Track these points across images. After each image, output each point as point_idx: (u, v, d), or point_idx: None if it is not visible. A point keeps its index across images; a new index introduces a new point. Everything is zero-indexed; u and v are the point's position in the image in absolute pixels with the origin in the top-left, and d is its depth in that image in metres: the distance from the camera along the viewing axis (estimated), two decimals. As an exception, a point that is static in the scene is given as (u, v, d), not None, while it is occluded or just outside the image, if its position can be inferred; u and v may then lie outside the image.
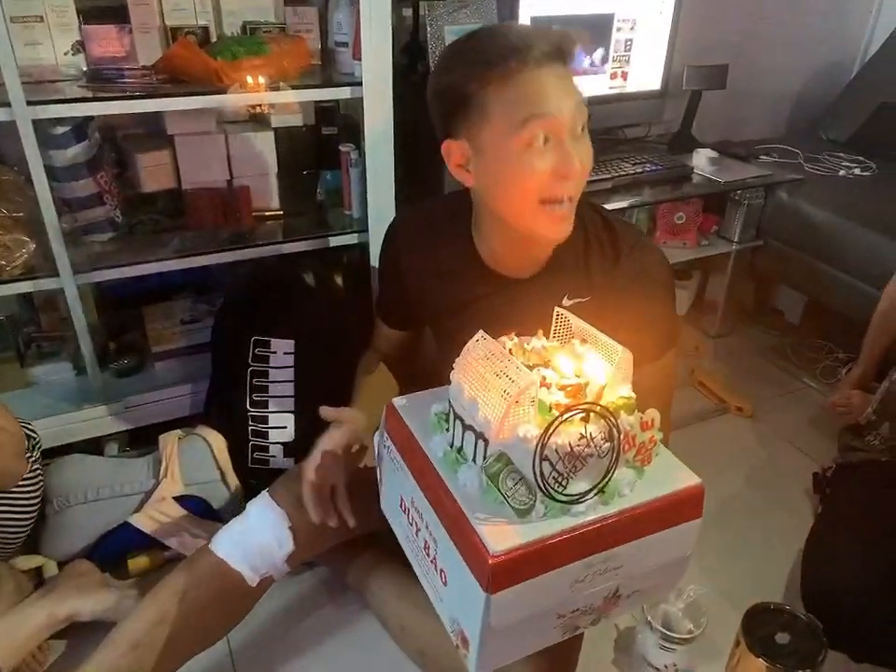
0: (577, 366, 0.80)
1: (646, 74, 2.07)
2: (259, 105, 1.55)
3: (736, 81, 2.18)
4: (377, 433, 0.95)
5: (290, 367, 1.41)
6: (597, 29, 1.92)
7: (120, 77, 1.38)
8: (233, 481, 1.39)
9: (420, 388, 1.16)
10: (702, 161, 2.06)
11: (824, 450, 1.72)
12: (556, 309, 0.87)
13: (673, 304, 1.06)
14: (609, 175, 1.86)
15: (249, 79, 1.36)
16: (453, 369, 0.80)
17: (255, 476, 1.41)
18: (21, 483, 1.20)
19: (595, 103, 2.00)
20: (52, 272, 1.36)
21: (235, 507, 1.35)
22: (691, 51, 2.13)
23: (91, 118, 1.43)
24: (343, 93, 1.46)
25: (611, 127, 2.17)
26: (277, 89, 1.39)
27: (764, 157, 2.19)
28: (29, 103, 1.22)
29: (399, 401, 0.89)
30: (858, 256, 1.91)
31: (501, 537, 0.69)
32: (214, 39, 1.48)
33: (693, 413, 1.90)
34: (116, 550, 1.32)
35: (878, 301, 1.72)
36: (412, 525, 0.84)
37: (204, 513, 1.35)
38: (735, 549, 1.49)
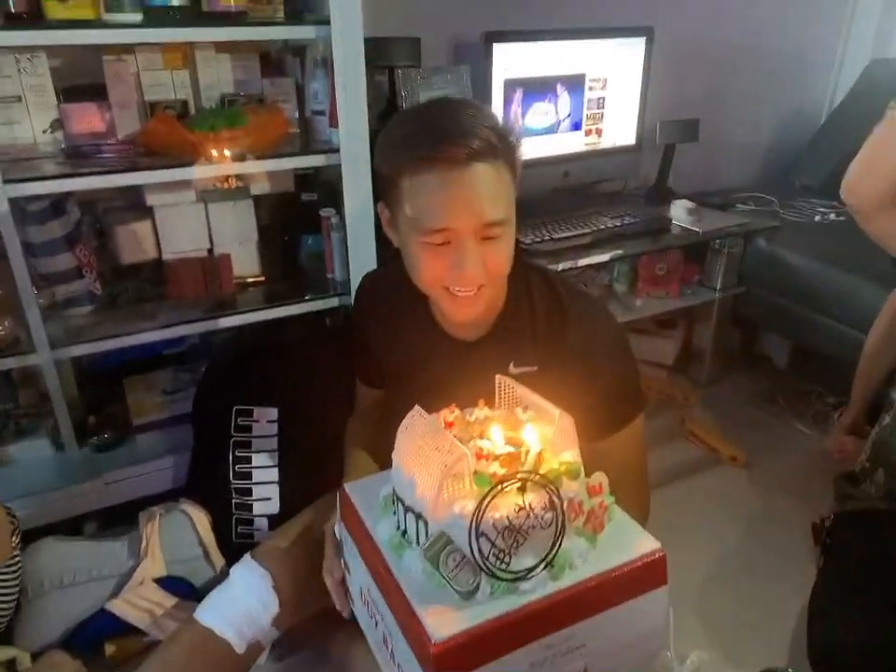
0: (513, 434, 0.78)
1: (620, 130, 2.11)
2: (239, 175, 1.56)
3: (708, 133, 2.23)
4: (337, 525, 0.92)
5: (274, 436, 1.38)
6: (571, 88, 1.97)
7: (98, 153, 1.39)
8: (217, 558, 1.34)
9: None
10: (680, 212, 2.09)
11: (821, 498, 1.68)
12: (497, 377, 0.86)
13: (630, 370, 1.03)
14: (589, 230, 1.87)
15: (227, 151, 1.37)
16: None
17: (240, 551, 1.34)
18: (3, 568, 1.15)
19: (571, 160, 2.04)
20: (30, 347, 1.34)
21: (217, 584, 1.30)
22: (662, 106, 2.18)
23: (69, 193, 1.43)
24: (321, 160, 1.47)
25: (588, 182, 2.21)
26: (255, 158, 1.41)
27: (741, 205, 2.23)
28: (5, 181, 1.22)
29: (350, 486, 0.87)
30: (838, 299, 1.92)
31: (444, 622, 0.66)
32: (192, 112, 1.50)
33: (686, 465, 1.87)
34: (92, 637, 1.26)
35: (863, 344, 1.73)
36: (371, 617, 0.81)
37: (187, 594, 1.29)
38: (738, 605, 1.44)
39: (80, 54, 1.41)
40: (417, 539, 0.73)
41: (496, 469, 0.72)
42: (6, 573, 1.17)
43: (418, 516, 0.72)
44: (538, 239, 1.81)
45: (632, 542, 0.75)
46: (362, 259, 1.53)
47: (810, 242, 2.06)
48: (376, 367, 1.16)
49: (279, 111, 1.52)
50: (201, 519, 1.35)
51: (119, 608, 1.22)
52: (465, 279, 0.87)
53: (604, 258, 1.82)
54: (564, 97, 1.97)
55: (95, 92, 1.42)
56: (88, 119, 1.43)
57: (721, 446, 1.91)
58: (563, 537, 0.69)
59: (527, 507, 0.66)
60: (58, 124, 1.42)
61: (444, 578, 0.68)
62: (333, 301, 1.59)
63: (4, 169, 1.24)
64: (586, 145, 2.07)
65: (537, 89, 1.91)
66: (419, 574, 0.71)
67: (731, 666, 1.27)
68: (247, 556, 1.08)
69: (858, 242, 2.05)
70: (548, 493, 0.67)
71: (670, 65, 2.16)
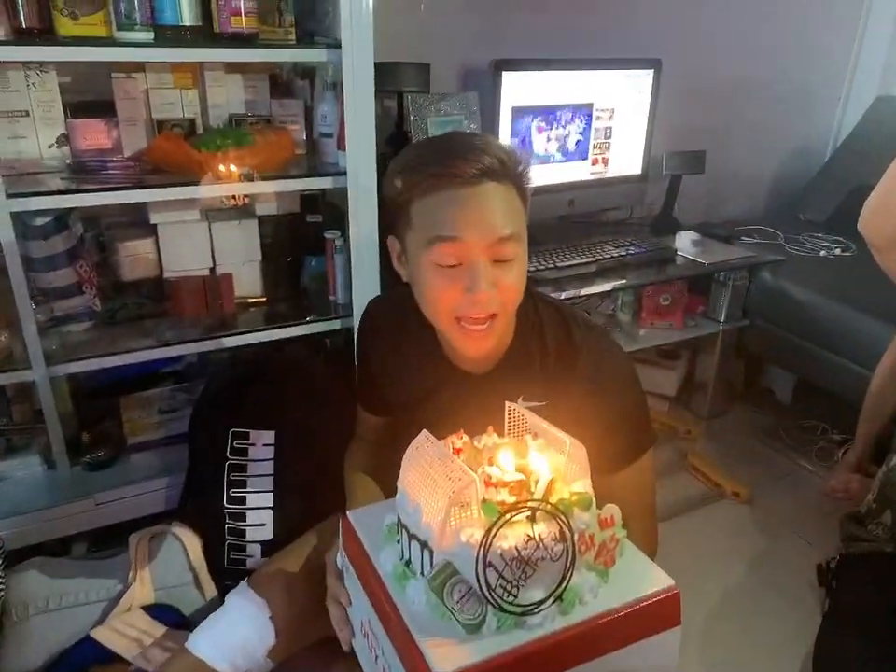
0: (522, 461, 0.76)
1: (626, 159, 2.12)
2: (244, 195, 1.55)
3: (714, 165, 2.23)
4: (338, 554, 0.90)
5: (270, 460, 1.35)
6: (578, 117, 1.97)
7: (104, 169, 1.38)
8: (208, 584, 1.31)
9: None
10: (685, 243, 2.08)
11: (826, 537, 1.66)
12: (508, 404, 0.85)
13: (640, 407, 1.02)
14: (594, 258, 1.86)
15: (233, 170, 1.36)
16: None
17: (231, 577, 1.31)
18: None
19: (576, 188, 2.04)
20: (25, 363, 1.32)
21: (208, 612, 1.26)
22: (669, 137, 2.19)
23: (72, 208, 1.42)
24: (328, 183, 1.47)
25: (593, 211, 2.20)
26: (262, 179, 1.40)
27: (746, 238, 2.23)
28: (8, 195, 1.22)
29: (352, 514, 0.84)
30: (844, 335, 1.90)
31: (447, 656, 0.63)
32: (200, 131, 1.50)
33: (688, 500, 1.84)
34: (76, 666, 1.21)
35: (869, 382, 1.71)
36: (371, 651, 0.78)
37: (176, 623, 1.25)
38: (740, 646, 1.41)
39: (90, 71, 1.41)
40: (422, 568, 0.71)
41: (504, 496, 0.69)
42: None
43: (423, 545, 0.69)
44: (542, 267, 1.79)
45: (645, 578, 0.72)
46: (365, 282, 1.52)
47: (815, 276, 2.05)
48: (379, 395, 1.14)
49: (286, 132, 1.52)
50: (192, 543, 1.31)
51: (104, 636, 1.18)
52: (478, 302, 0.85)
53: (607, 287, 1.81)
54: (571, 126, 1.97)
55: (103, 109, 1.42)
56: (94, 135, 1.42)
57: (723, 481, 1.88)
58: (573, 570, 0.66)
59: (537, 537, 0.64)
60: (64, 139, 1.41)
61: (449, 609, 0.66)
62: (335, 324, 1.58)
63: (8, 183, 1.23)
64: (592, 174, 2.07)
65: (544, 117, 1.91)
66: (423, 605, 0.69)
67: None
68: (244, 584, 1.05)
69: (864, 277, 2.05)
70: (558, 523, 0.65)
71: (677, 97, 2.18)
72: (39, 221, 1.35)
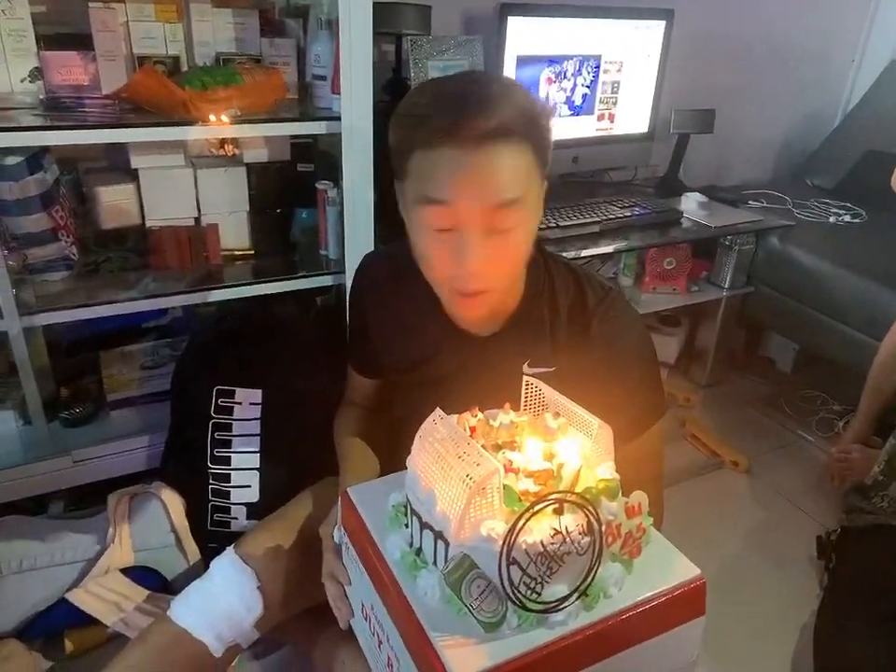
0: (548, 447, 0.70)
1: (633, 116, 2.03)
2: (231, 140, 1.46)
3: (722, 126, 2.15)
4: (336, 530, 0.85)
5: (256, 419, 1.29)
6: (586, 69, 1.88)
7: (80, 106, 1.29)
8: (190, 546, 1.26)
9: (393, 444, 1.06)
10: (691, 205, 2.01)
11: (826, 509, 1.63)
12: (525, 378, 0.79)
13: (654, 374, 0.96)
14: (598, 219, 1.79)
15: (219, 111, 1.27)
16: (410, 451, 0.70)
17: (214, 540, 1.27)
18: None
19: (582, 145, 1.95)
20: (-7, 314, 1.25)
21: (191, 576, 1.21)
22: (677, 95, 2.10)
23: (47, 148, 1.33)
24: (320, 128, 1.38)
25: (598, 169, 2.12)
26: (250, 122, 1.31)
27: (753, 202, 2.16)
28: (-25, 130, 1.13)
29: (354, 491, 0.78)
30: (851, 304, 1.85)
31: (466, 658, 0.58)
32: (185, 70, 1.40)
33: (686, 468, 1.80)
34: (51, 628, 1.17)
35: (874, 351, 1.66)
36: (373, 635, 0.73)
37: (156, 586, 1.21)
38: (738, 620, 1.38)
39: (65, -1, 1.32)
40: (435, 559, 0.65)
41: (527, 485, 0.64)
42: None
43: (438, 535, 0.64)
44: (543, 226, 1.72)
45: (671, 568, 0.68)
46: (359, 236, 1.44)
47: (825, 244, 1.99)
48: (373, 356, 1.07)
49: (278, 73, 1.42)
50: (175, 504, 1.26)
51: (81, 599, 1.14)
52: (467, 276, 0.78)
53: (612, 248, 1.74)
54: (578, 78, 1.88)
55: (80, 42, 1.31)
56: (70, 69, 1.32)
57: (722, 450, 1.85)
58: (599, 563, 0.61)
59: (564, 531, 0.59)
60: (37, 73, 1.31)
61: (467, 607, 0.61)
62: (326, 280, 1.50)
63: (-25, 117, 1.14)
64: (598, 130, 1.98)
65: (550, 67, 1.82)
66: (436, 599, 0.64)
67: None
68: (230, 551, 0.99)
69: (873, 245, 2.00)
70: (586, 515, 0.60)
71: (688, 52, 2.09)
72: (10, 161, 1.27)
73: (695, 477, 1.79)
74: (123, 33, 1.34)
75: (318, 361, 1.37)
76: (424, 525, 0.65)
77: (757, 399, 2.13)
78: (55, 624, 1.17)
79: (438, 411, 0.70)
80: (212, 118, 1.26)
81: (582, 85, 1.90)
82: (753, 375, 2.24)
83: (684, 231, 1.89)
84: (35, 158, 1.30)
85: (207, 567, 1.03)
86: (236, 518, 1.28)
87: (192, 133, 1.29)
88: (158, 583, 1.22)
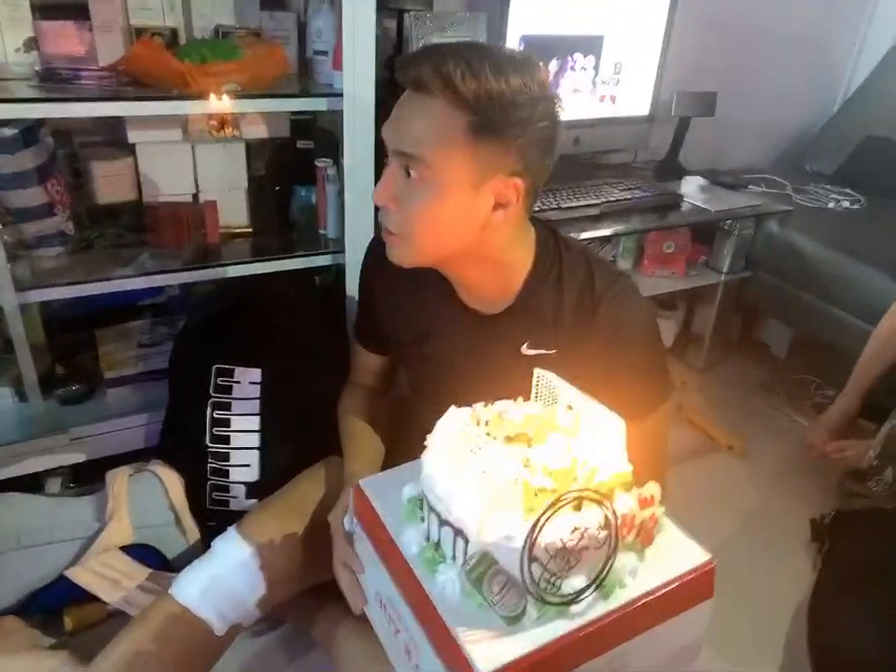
0: (565, 443, 0.70)
1: (635, 98, 2.01)
2: (230, 115, 1.44)
3: (722, 109, 2.13)
4: (346, 517, 0.85)
5: (256, 398, 1.28)
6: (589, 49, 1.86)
7: (76, 78, 1.26)
8: (189, 524, 1.26)
9: (396, 424, 1.06)
10: (691, 189, 2.00)
11: (819, 492, 1.64)
12: (536, 370, 0.80)
13: (660, 358, 0.97)
14: (598, 201, 1.78)
15: (218, 85, 1.25)
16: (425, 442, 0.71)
17: (214, 518, 1.27)
18: None
19: (583, 126, 1.93)
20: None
21: (191, 555, 1.22)
22: (678, 77, 2.08)
23: (42, 121, 1.31)
24: (321, 105, 1.36)
25: (598, 151, 2.11)
26: (250, 97, 1.29)
27: (753, 186, 2.15)
28: (-31, 101, 1.10)
29: (366, 483, 0.79)
30: (849, 289, 1.86)
31: (490, 653, 0.60)
32: (182, 42, 1.37)
33: (681, 451, 1.81)
34: (50, 604, 1.17)
35: (869, 335, 1.65)
36: (390, 624, 0.74)
37: (155, 564, 1.21)
38: (732, 601, 1.37)
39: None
40: (454, 554, 0.66)
41: (546, 483, 0.65)
42: None
43: (457, 532, 0.64)
44: (544, 207, 1.71)
45: (682, 555, 0.70)
46: (359, 215, 1.43)
47: (824, 229, 1.99)
48: (380, 332, 1.08)
49: (278, 48, 1.39)
50: (173, 482, 1.26)
51: (80, 576, 1.13)
52: (374, 196, 0.85)
53: (611, 231, 1.74)
54: (580, 58, 1.86)
55: (76, 11, 1.29)
56: (66, 40, 1.30)
57: (717, 434, 1.86)
58: (615, 555, 0.63)
59: (582, 527, 0.61)
60: (32, 44, 1.28)
61: (488, 602, 0.62)
62: (325, 259, 1.49)
63: (-31, 88, 1.11)
64: (599, 111, 1.96)
65: (553, 47, 1.80)
66: (456, 594, 0.65)
67: (724, 661, 1.22)
68: (232, 531, 0.99)
69: (871, 231, 2.01)
70: (603, 510, 0.61)
71: (690, 34, 2.06)
72: (6, 133, 1.24)
73: (691, 460, 1.80)
74: (120, 3, 1.31)
75: (318, 340, 1.36)
76: (442, 523, 0.66)
77: (752, 383, 2.14)
78: (54, 601, 1.17)
79: (453, 408, 0.71)
80: (211, 93, 1.24)
81: (585, 65, 1.88)
82: (749, 360, 2.25)
83: (684, 214, 1.89)
84: (31, 130, 1.28)
85: (206, 545, 1.03)
86: (235, 497, 1.28)
87: (191, 108, 1.27)
88: (158, 561, 1.22)
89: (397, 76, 0.81)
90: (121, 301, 1.52)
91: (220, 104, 1.27)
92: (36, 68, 1.28)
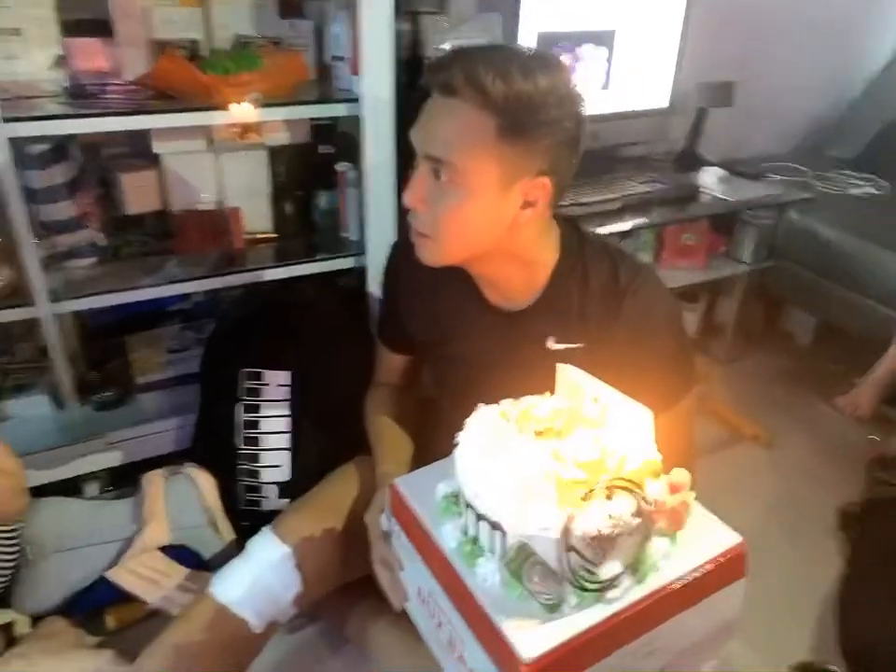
0: (594, 435, 0.72)
1: (650, 91, 2.01)
2: (252, 123, 1.46)
3: (740, 98, 2.12)
4: (383, 515, 0.87)
5: (285, 400, 1.32)
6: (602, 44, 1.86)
7: (104, 93, 1.30)
8: (224, 525, 1.29)
9: (423, 419, 1.09)
10: (710, 179, 2.00)
11: (847, 481, 1.64)
12: (559, 365, 0.81)
13: (685, 348, 0.99)
14: (617, 195, 1.78)
15: (241, 96, 1.27)
16: (455, 438, 0.73)
17: (247, 519, 1.31)
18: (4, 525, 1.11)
19: (598, 121, 1.94)
20: (28, 300, 1.26)
21: (226, 554, 1.25)
22: (693, 68, 2.07)
23: (72, 136, 1.34)
24: (341, 110, 1.38)
25: (615, 145, 2.11)
26: (271, 105, 1.32)
27: (773, 175, 2.13)
28: (5, 120, 1.14)
29: (402, 482, 0.81)
30: (874, 276, 1.84)
31: (533, 639, 0.62)
32: (204, 53, 1.40)
33: (706, 442, 1.81)
34: (93, 605, 1.21)
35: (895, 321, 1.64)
36: (432, 617, 0.76)
37: (192, 564, 1.24)
38: (760, 592, 1.36)
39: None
40: (492, 547, 0.68)
41: (578, 474, 0.67)
42: (8, 532, 1.11)
43: (494, 525, 0.66)
44: (564, 203, 1.71)
45: (713, 537, 0.72)
46: (380, 218, 1.45)
47: (846, 216, 1.97)
48: (405, 331, 1.10)
49: (297, 55, 1.42)
50: (207, 484, 1.29)
51: (120, 577, 1.17)
52: (404, 199, 0.86)
53: (631, 225, 1.74)
54: (594, 52, 1.86)
55: (101, 28, 1.32)
56: (93, 56, 1.33)
57: (742, 424, 1.86)
58: (649, 541, 0.65)
59: (615, 515, 0.63)
60: (61, 61, 1.32)
61: (529, 591, 0.64)
62: (347, 262, 1.51)
63: (3, 107, 1.14)
64: (614, 106, 1.96)
65: (567, 43, 1.80)
66: (495, 585, 0.66)
67: (753, 652, 1.23)
68: (267, 531, 1.02)
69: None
70: (635, 498, 0.64)
71: (706, 24, 2.04)
72: (37, 149, 1.28)
73: (716, 451, 1.80)
74: (143, 18, 1.34)
75: (344, 342, 1.39)
76: (479, 517, 0.68)
77: (777, 373, 2.13)
78: (96, 602, 1.21)
79: (482, 406, 0.73)
80: (234, 103, 1.27)
81: (598, 60, 1.88)
82: (773, 349, 2.24)
83: (703, 206, 1.88)
84: (61, 146, 1.32)
85: (241, 545, 1.06)
86: (267, 497, 1.31)
87: (215, 118, 1.30)
88: (194, 561, 1.25)
89: (425, 80, 0.82)
90: (150, 308, 1.56)
91: (243, 113, 1.30)
92: (65, 84, 1.32)
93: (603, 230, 1.69)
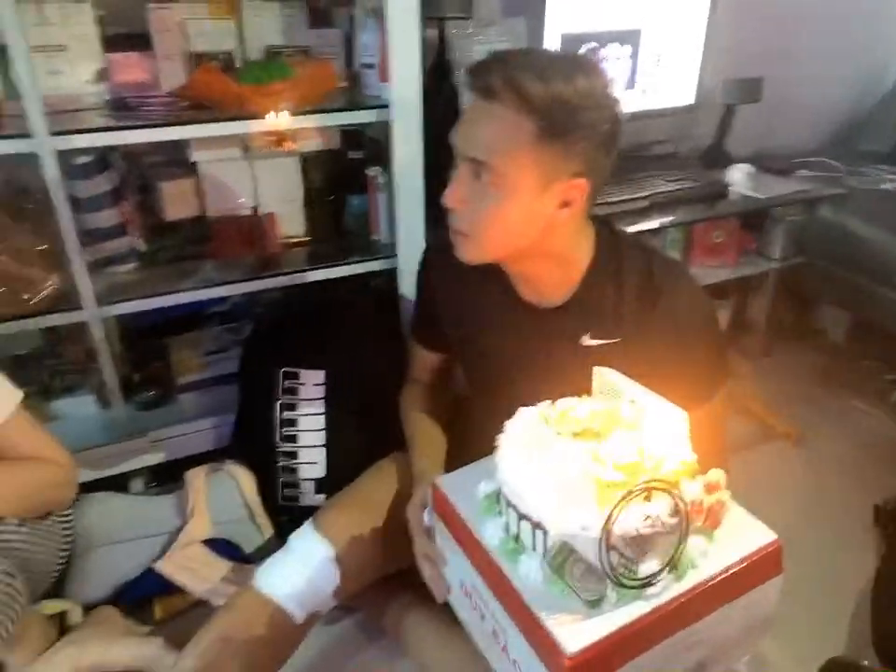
0: (632, 437, 0.74)
1: (676, 88, 2.01)
2: (285, 131, 1.51)
3: (769, 93, 2.11)
4: (426, 512, 0.90)
5: (321, 398, 1.36)
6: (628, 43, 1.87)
7: (143, 105, 1.35)
8: (263, 519, 1.34)
9: (456, 416, 1.10)
10: (739, 176, 1.99)
11: (881, 479, 1.62)
12: (595, 368, 0.83)
13: (719, 344, 1.00)
14: (645, 194, 1.79)
15: (274, 105, 1.32)
16: (494, 438, 0.75)
17: (285, 514, 1.35)
18: (59, 517, 1.16)
19: (627, 119, 1.94)
20: (76, 304, 1.32)
21: (265, 548, 1.30)
22: (720, 63, 2.06)
23: (114, 146, 1.40)
24: (371, 116, 1.42)
25: (641, 143, 2.11)
26: (303, 113, 1.36)
27: (803, 171, 2.12)
28: (52, 133, 1.19)
29: (443, 481, 0.84)
30: (908, 272, 1.82)
31: (575, 633, 0.64)
32: (238, 64, 1.45)
33: (738, 440, 1.81)
34: (141, 595, 1.26)
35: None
36: (475, 610, 0.79)
37: (234, 556, 1.29)
38: (792, 590, 1.38)
39: (123, 1, 1.37)
40: (534, 545, 0.71)
41: (617, 477, 0.69)
42: (62, 520, 1.17)
43: (536, 525, 0.69)
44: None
45: (749, 535, 0.74)
46: (409, 221, 1.48)
47: (879, 210, 1.94)
48: (439, 330, 1.12)
49: (327, 63, 1.46)
50: (247, 480, 1.34)
51: (167, 568, 1.22)
52: (444, 199, 0.88)
53: (659, 224, 1.74)
54: (619, 52, 1.87)
55: (139, 42, 1.37)
56: (132, 69, 1.39)
57: (775, 422, 1.85)
58: (686, 539, 0.67)
59: (653, 515, 0.65)
60: (102, 74, 1.38)
61: (571, 587, 0.67)
62: (378, 264, 1.54)
63: (49, 121, 1.20)
64: (640, 104, 1.97)
65: (593, 43, 1.81)
66: (538, 581, 0.69)
67: (787, 648, 1.23)
68: (308, 526, 1.05)
69: (932, 211, 1.95)
70: (672, 499, 0.66)
71: (732, 19, 2.04)
72: (81, 160, 1.34)
73: (748, 448, 1.79)
74: (181, 31, 1.39)
75: (376, 341, 1.42)
76: (521, 517, 0.70)
77: (809, 370, 2.11)
78: (144, 592, 1.26)
79: (522, 409, 0.75)
80: (268, 112, 1.31)
81: (624, 59, 1.89)
82: (804, 347, 2.22)
83: (732, 203, 1.88)
84: (104, 156, 1.38)
85: (280, 539, 1.10)
86: (305, 493, 1.35)
87: (250, 127, 1.34)
88: (236, 555, 1.30)
89: (465, 84, 0.85)
90: (189, 311, 1.61)
91: (276, 121, 1.35)
92: (107, 97, 1.38)
93: (631, 228, 1.70)
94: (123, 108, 1.35)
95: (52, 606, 1.19)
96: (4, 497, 1.03)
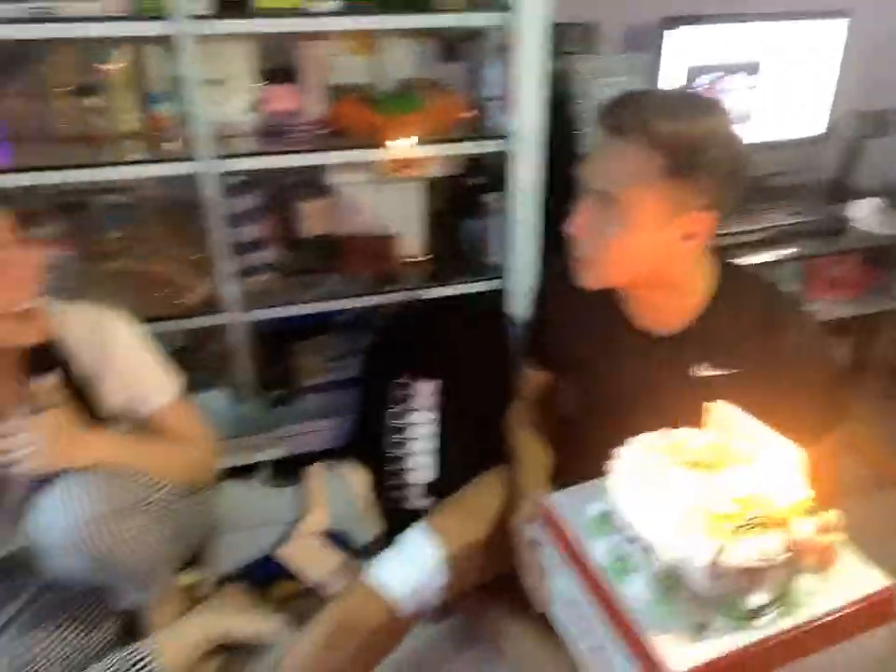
0: (747, 472, 0.75)
1: (798, 120, 1.97)
2: (412, 158, 1.62)
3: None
4: (532, 525, 0.94)
5: (433, 408, 1.44)
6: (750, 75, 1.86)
7: (290, 132, 1.50)
8: (375, 517, 1.43)
9: (563, 437, 1.15)
10: (863, 211, 1.92)
11: None
12: (715, 403, 0.84)
13: (836, 381, 1.00)
14: (761, 226, 1.77)
15: (406, 134, 1.43)
16: (604, 460, 0.78)
17: (392, 514, 1.44)
18: (203, 497, 1.27)
19: (751, 150, 1.92)
20: (220, 308, 1.48)
21: (374, 544, 1.38)
22: (848, 95, 2.00)
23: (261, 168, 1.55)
24: (493, 146, 1.50)
25: (761, 175, 2.08)
26: (431, 143, 1.46)
27: (936, 207, 2.01)
28: (219, 157, 1.35)
29: (553, 499, 0.87)
30: None
31: (681, 654, 0.66)
32: (372, 95, 1.56)
33: (852, 484, 1.73)
34: (262, 578, 1.37)
35: None
36: (577, 623, 0.82)
37: (346, 549, 1.38)
38: None
39: (276, 38, 1.50)
40: (642, 567, 0.73)
41: (727, 509, 0.70)
42: (206, 503, 1.28)
43: (645, 548, 0.71)
44: (707, 233, 1.73)
45: (861, 579, 0.73)
46: (522, 246, 1.56)
47: None
48: (553, 352, 1.16)
49: (454, 96, 1.56)
50: (361, 479, 1.44)
51: (286, 555, 1.32)
52: (565, 227, 0.92)
53: (775, 257, 1.72)
54: (740, 83, 1.87)
55: (288, 75, 1.52)
56: (281, 100, 1.53)
57: (891, 467, 1.76)
58: (795, 577, 0.68)
59: (764, 549, 0.66)
60: (255, 105, 1.52)
61: (677, 610, 0.69)
62: (490, 284, 1.63)
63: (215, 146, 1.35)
64: (761, 135, 1.95)
65: (716, 75, 1.82)
66: (645, 602, 0.71)
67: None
68: (422, 525, 1.10)
69: None
70: (785, 535, 0.67)
71: (862, 52, 1.98)
72: (234, 180, 1.49)
73: (863, 494, 1.71)
74: (325, 66, 1.53)
75: (485, 357, 1.49)
76: (632, 539, 0.73)
77: (936, 415, 1.99)
78: (263, 576, 1.37)
79: (634, 438, 0.78)
80: (401, 140, 1.43)
81: (747, 91, 1.88)
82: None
83: (855, 239, 1.82)
84: (254, 176, 1.53)
85: (388, 536, 1.16)
86: (412, 495, 1.43)
87: (384, 154, 1.46)
88: (348, 548, 1.39)
89: (597, 122, 0.89)
90: (316, 319, 1.74)
91: (407, 149, 1.46)
92: (257, 125, 1.53)
93: (746, 260, 1.69)
94: (274, 135, 1.50)
95: (189, 577, 1.31)
96: (160, 465, 1.14)
